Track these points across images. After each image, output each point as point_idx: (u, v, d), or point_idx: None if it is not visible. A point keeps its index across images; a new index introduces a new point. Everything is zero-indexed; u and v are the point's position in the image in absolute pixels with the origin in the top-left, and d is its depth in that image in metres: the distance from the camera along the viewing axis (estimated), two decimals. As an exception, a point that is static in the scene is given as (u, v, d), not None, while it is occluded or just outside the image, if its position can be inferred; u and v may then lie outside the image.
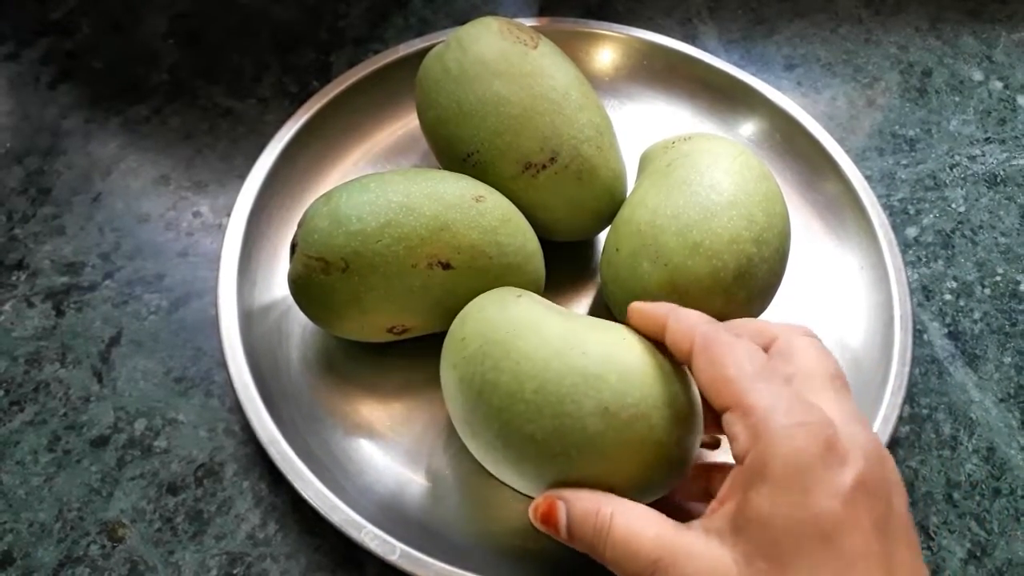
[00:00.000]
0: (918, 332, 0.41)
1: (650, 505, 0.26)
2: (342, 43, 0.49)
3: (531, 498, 0.28)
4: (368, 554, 0.30)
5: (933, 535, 0.35)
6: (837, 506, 0.22)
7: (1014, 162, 0.48)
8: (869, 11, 0.54)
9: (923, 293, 0.42)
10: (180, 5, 0.51)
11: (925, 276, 0.43)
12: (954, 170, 0.47)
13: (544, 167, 0.35)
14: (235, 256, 0.38)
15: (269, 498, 0.34)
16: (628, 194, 0.37)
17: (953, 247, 0.44)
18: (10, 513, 0.34)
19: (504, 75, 0.36)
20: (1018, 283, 0.43)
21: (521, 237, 0.34)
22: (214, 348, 0.38)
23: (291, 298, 0.34)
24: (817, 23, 0.53)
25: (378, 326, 0.34)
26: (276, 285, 0.39)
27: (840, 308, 0.40)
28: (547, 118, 0.35)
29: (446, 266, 0.32)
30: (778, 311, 0.36)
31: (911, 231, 0.45)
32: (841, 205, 0.42)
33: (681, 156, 0.35)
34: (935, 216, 0.45)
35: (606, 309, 0.37)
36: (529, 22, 0.46)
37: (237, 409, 0.36)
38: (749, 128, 0.46)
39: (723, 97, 0.46)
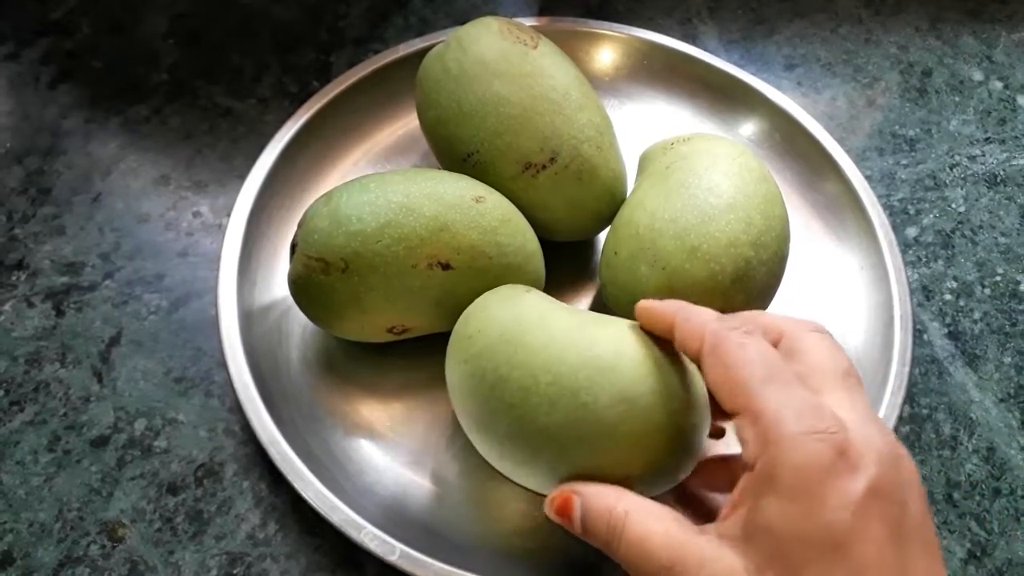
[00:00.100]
0: (918, 332, 0.41)
1: (670, 492, 0.25)
2: (342, 43, 0.49)
3: (532, 497, 0.28)
4: (368, 554, 0.30)
5: (933, 535, 0.35)
6: (847, 516, 0.21)
7: (1014, 162, 0.48)
8: (869, 11, 0.54)
9: (923, 293, 0.42)
10: (180, 5, 0.51)
11: (925, 276, 0.43)
12: (954, 170, 0.47)
13: (544, 167, 0.35)
14: (235, 256, 0.38)
15: (269, 498, 0.34)
16: (628, 194, 0.37)
17: (953, 247, 0.44)
18: (10, 513, 0.34)
19: (504, 75, 0.36)
20: (1018, 283, 0.43)
21: (521, 237, 0.34)
22: (214, 348, 0.38)
23: (291, 298, 0.34)
24: (817, 23, 0.53)
25: (378, 326, 0.34)
26: (276, 285, 0.39)
27: (840, 308, 0.40)
28: (547, 118, 0.35)
29: (446, 266, 0.32)
30: (778, 311, 0.36)
31: (911, 231, 0.45)
32: (841, 205, 0.42)
33: (680, 158, 0.35)
34: (935, 216, 0.45)
35: (606, 309, 0.37)
36: (529, 22, 0.46)
37: (237, 409, 0.36)
38: (749, 128, 0.46)
39: (723, 97, 0.46)
